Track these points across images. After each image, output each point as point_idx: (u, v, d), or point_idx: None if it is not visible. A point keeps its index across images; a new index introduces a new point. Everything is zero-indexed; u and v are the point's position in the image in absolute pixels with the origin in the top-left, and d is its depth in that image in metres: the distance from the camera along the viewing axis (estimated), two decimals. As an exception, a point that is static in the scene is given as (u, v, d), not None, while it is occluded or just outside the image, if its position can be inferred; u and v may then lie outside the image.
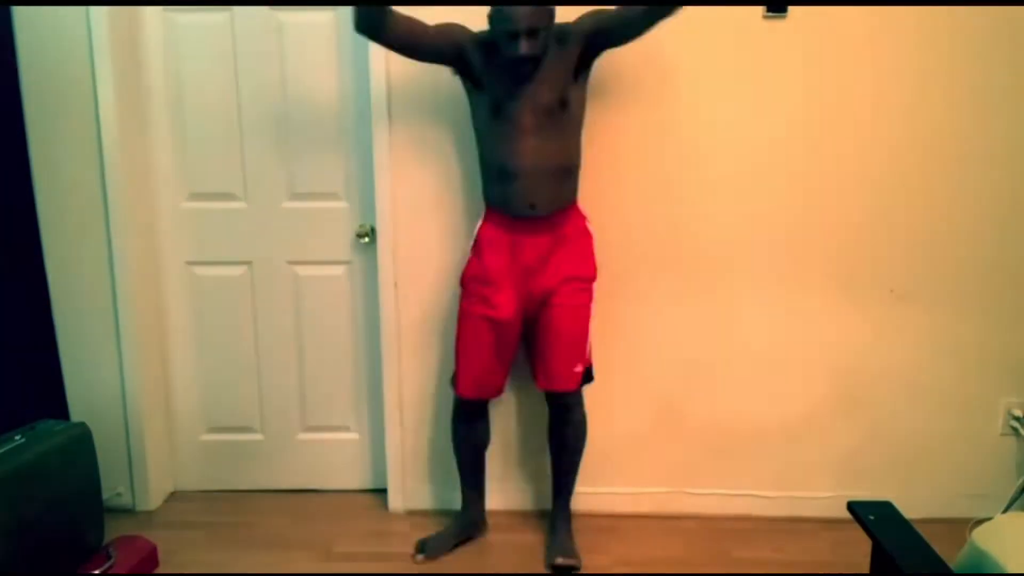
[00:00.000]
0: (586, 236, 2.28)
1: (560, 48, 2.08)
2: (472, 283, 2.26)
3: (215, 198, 2.64)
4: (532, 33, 1.98)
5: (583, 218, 2.28)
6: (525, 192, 2.12)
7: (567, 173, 2.20)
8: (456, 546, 2.44)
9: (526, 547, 2.45)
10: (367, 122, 2.48)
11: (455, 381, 2.35)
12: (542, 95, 2.08)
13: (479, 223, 2.28)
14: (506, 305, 2.20)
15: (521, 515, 2.64)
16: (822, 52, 2.37)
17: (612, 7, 2.09)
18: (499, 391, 2.38)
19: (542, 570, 2.34)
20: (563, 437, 2.40)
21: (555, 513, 2.46)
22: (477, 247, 2.26)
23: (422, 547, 2.40)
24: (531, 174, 2.11)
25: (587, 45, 2.09)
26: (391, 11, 2.01)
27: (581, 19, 2.11)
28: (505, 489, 2.65)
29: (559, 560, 2.31)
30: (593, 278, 2.28)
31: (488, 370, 2.29)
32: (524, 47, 1.98)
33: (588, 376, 2.35)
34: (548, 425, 2.42)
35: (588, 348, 2.31)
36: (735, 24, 2.34)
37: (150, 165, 2.61)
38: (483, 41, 2.11)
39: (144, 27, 2.53)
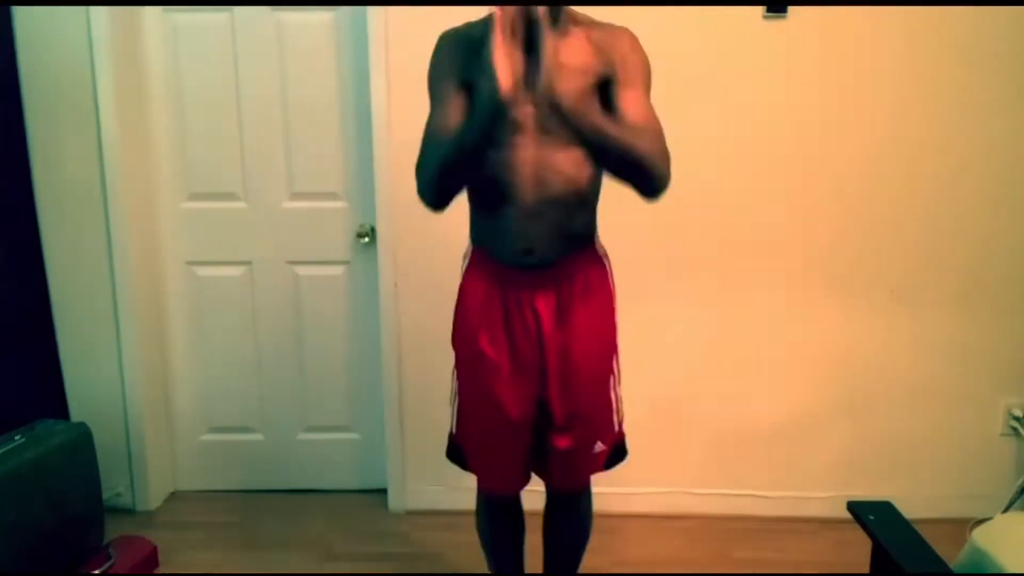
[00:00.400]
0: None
1: None
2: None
3: (215, 198, 2.64)
4: None
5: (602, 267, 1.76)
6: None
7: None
8: None
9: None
10: (367, 122, 2.47)
11: (468, 465, 1.88)
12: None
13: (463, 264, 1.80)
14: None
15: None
16: (822, 52, 2.37)
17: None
18: (526, 479, 1.85)
19: None
20: (562, 529, 1.92)
21: None
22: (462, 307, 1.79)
23: None
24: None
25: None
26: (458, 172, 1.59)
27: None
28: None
29: None
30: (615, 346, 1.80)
31: (506, 464, 1.81)
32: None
33: (620, 454, 1.87)
34: (544, 509, 1.96)
35: (617, 420, 1.83)
36: (735, 24, 2.34)
37: (150, 165, 2.61)
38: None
39: (144, 27, 2.53)
